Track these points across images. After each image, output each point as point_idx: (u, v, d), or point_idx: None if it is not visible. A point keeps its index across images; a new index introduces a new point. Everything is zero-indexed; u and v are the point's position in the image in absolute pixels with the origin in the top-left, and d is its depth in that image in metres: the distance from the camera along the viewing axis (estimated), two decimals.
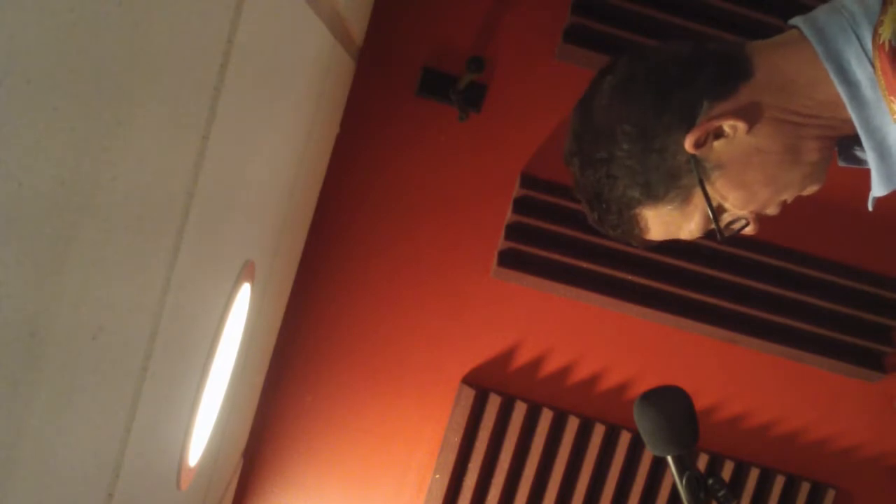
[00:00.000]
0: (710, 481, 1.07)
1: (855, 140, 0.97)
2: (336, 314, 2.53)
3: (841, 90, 0.90)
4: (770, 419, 2.62)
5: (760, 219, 1.03)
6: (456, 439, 2.53)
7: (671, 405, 1.08)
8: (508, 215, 2.43)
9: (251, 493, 2.58)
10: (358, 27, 2.25)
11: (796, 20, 0.97)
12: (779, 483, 2.58)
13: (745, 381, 2.60)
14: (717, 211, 1.00)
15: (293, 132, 1.76)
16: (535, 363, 2.57)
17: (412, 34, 2.41)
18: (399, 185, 2.47)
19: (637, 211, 1.02)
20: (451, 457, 2.53)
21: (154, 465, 1.35)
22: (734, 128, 0.95)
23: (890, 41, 0.85)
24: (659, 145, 0.97)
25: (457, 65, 2.38)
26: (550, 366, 2.57)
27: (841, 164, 1.05)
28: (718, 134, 0.96)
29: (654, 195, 1.00)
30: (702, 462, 2.55)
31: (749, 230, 1.04)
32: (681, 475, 1.06)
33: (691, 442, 1.07)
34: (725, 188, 0.98)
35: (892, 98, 0.87)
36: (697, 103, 0.96)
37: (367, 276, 2.51)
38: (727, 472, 2.56)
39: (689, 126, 0.96)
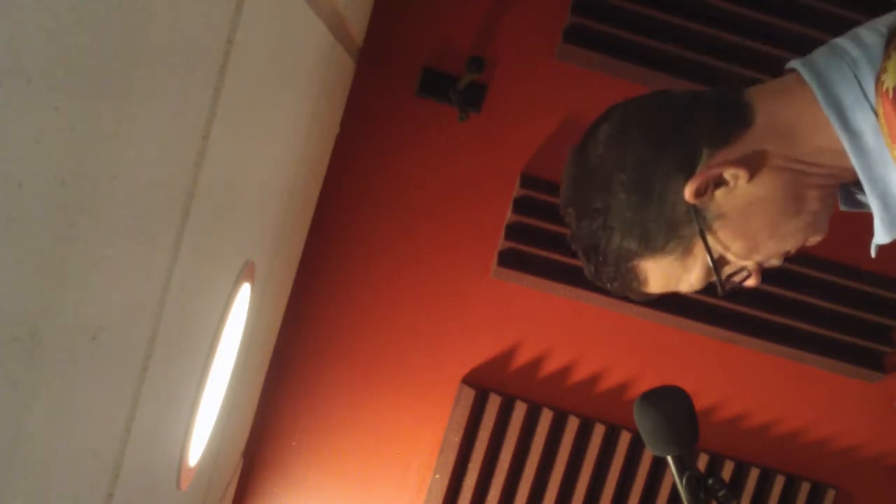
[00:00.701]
0: (710, 481, 1.07)
1: (857, 185, 0.95)
2: (336, 314, 2.53)
3: (842, 138, 0.88)
4: (770, 419, 2.62)
5: (761, 270, 1.00)
6: (456, 439, 2.53)
7: (671, 405, 1.08)
8: (508, 215, 2.43)
9: (251, 493, 2.58)
10: (358, 27, 2.25)
11: (795, 63, 0.94)
12: (779, 483, 2.58)
13: (745, 381, 2.60)
14: (719, 262, 0.97)
15: (293, 132, 1.76)
16: (535, 363, 2.57)
17: (412, 34, 2.41)
18: (399, 185, 2.47)
19: (635, 263, 0.99)
20: (451, 457, 2.53)
21: (154, 465, 1.35)
22: (735, 176, 0.92)
23: (894, 89, 0.82)
24: (657, 195, 0.95)
25: (457, 65, 2.38)
26: (550, 366, 2.57)
27: (843, 208, 1.02)
28: (719, 182, 0.93)
29: (652, 246, 0.97)
30: (702, 462, 2.55)
31: (750, 282, 1.00)
32: (681, 475, 1.06)
33: (691, 442, 1.07)
34: (727, 238, 0.95)
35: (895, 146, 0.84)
36: (696, 151, 0.93)
37: (367, 276, 2.51)
38: (727, 472, 2.56)
39: (688, 175, 0.93)
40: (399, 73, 2.42)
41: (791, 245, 0.98)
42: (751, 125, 0.93)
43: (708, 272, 0.98)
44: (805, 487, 2.58)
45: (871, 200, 0.90)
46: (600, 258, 1.01)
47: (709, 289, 1.02)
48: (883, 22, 0.91)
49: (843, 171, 0.92)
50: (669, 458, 1.07)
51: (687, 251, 0.97)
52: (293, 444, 2.57)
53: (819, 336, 2.51)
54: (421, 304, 2.52)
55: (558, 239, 2.40)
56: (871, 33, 0.89)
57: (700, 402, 2.43)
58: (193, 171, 1.06)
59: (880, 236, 0.93)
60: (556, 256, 2.41)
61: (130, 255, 0.92)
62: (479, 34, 2.41)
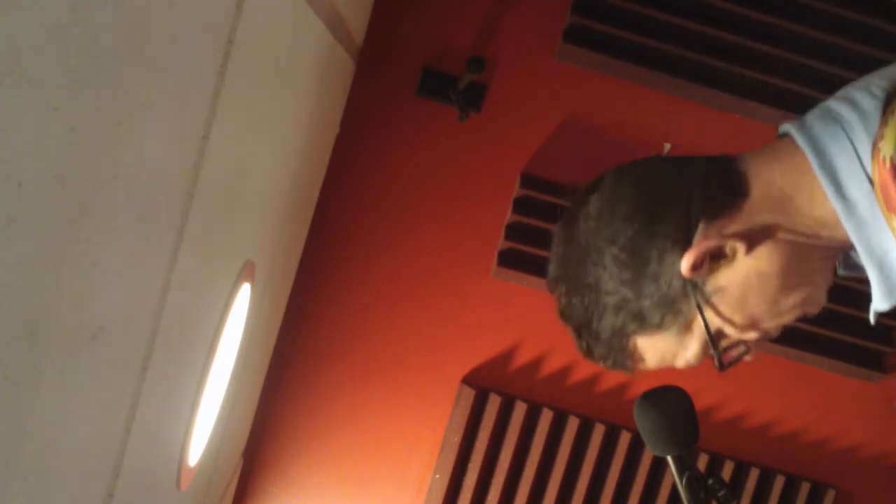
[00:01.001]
0: (710, 481, 1.07)
1: (855, 249, 0.93)
2: (336, 314, 2.53)
3: (836, 206, 0.86)
4: (770, 419, 2.62)
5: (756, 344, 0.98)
6: (456, 439, 2.53)
7: (671, 405, 1.08)
8: (508, 215, 2.43)
9: (251, 493, 2.58)
10: (358, 27, 2.25)
11: (788, 128, 0.91)
12: (779, 483, 2.58)
13: (745, 381, 2.60)
14: (716, 336, 0.94)
15: (293, 132, 1.76)
16: (535, 363, 2.57)
17: (412, 34, 2.41)
18: (399, 185, 2.47)
19: (629, 340, 0.96)
20: (451, 457, 2.53)
21: (154, 465, 1.35)
22: (733, 249, 0.89)
23: (892, 158, 0.80)
24: (652, 270, 0.91)
25: (457, 65, 2.38)
26: (550, 366, 2.57)
27: (842, 273, 1.00)
28: (716, 255, 0.90)
29: (648, 323, 0.93)
30: (702, 462, 2.55)
31: (748, 357, 0.98)
32: (681, 475, 1.06)
33: (691, 442, 1.07)
34: (726, 313, 0.92)
35: (892, 215, 0.82)
36: (691, 223, 0.90)
37: (367, 276, 2.51)
38: (727, 472, 2.56)
39: (683, 248, 0.90)
40: (399, 73, 2.42)
41: (789, 318, 0.95)
42: (747, 195, 0.91)
43: (705, 347, 0.95)
44: (805, 487, 2.58)
45: (868, 268, 0.88)
46: (593, 335, 0.98)
47: None
48: (877, 83, 0.89)
49: (842, 242, 0.90)
50: (669, 458, 1.07)
51: (684, 327, 0.94)
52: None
53: (819, 336, 2.51)
54: (421, 304, 2.52)
55: None
56: (865, 96, 0.88)
57: (700, 402, 2.42)
58: (193, 171, 1.06)
59: (878, 303, 0.90)
60: None
61: (130, 255, 0.92)
62: (479, 34, 2.40)
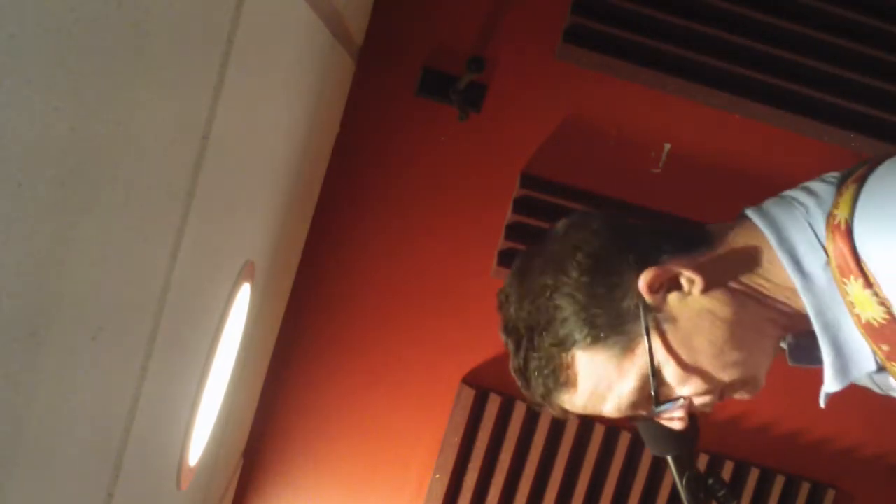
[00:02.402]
0: (710, 481, 1.07)
1: (804, 337, 0.98)
2: (336, 314, 2.53)
3: (795, 280, 0.91)
4: (770, 419, 2.62)
5: (688, 412, 0.99)
6: (456, 439, 2.53)
7: None
8: (508, 215, 2.43)
9: (251, 493, 2.58)
10: (358, 27, 2.25)
11: (748, 212, 0.98)
12: (779, 483, 2.58)
13: None
14: (657, 371, 0.94)
15: (293, 132, 1.76)
16: None
17: (412, 34, 2.41)
18: (399, 184, 2.47)
19: (569, 354, 0.96)
20: (451, 457, 2.53)
21: (154, 465, 1.35)
22: (691, 281, 0.93)
23: (846, 220, 0.85)
24: (611, 281, 0.94)
25: (457, 65, 2.38)
26: None
27: (791, 364, 1.05)
28: (673, 286, 0.94)
29: (594, 335, 0.94)
30: (702, 462, 2.55)
31: (677, 424, 0.99)
32: (681, 475, 1.06)
33: (691, 442, 1.07)
34: (672, 344, 0.94)
35: (844, 280, 0.86)
36: (658, 252, 0.95)
37: (367, 276, 2.51)
38: (727, 472, 2.56)
39: (645, 269, 0.94)
40: (399, 73, 2.42)
41: (727, 377, 0.96)
42: (713, 246, 0.96)
43: (643, 384, 0.95)
44: (805, 487, 2.58)
45: (823, 345, 0.92)
46: (535, 342, 0.99)
47: None
48: (831, 175, 0.95)
49: (795, 313, 0.94)
50: (669, 459, 1.07)
51: (627, 349, 0.94)
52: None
53: None
54: (421, 304, 2.52)
55: None
56: (820, 184, 0.95)
57: None
58: (193, 171, 1.06)
59: (830, 384, 0.94)
60: None
61: (130, 255, 0.92)
62: (479, 34, 2.40)
